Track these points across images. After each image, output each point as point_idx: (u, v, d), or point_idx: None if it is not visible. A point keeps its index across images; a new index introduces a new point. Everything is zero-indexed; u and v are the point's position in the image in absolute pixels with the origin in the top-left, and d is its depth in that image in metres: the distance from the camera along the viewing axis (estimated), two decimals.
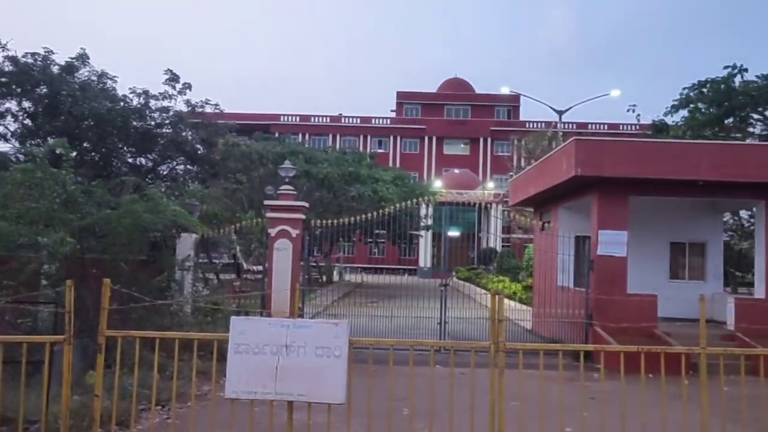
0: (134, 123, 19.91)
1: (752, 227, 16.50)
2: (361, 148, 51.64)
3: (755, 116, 21.21)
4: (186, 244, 12.88)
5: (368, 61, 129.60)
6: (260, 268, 16.75)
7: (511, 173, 30.49)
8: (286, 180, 16.30)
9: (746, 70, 20.75)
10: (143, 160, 21.70)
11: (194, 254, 13.65)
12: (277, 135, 45.27)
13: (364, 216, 14.75)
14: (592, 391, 5.96)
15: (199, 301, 12.35)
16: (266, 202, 15.15)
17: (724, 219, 22.56)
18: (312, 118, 61.67)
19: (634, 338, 10.97)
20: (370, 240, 34.54)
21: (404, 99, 63.99)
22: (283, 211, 14.15)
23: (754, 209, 13.95)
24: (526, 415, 4.90)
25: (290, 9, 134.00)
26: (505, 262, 31.53)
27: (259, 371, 4.74)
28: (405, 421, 5.28)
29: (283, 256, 13.83)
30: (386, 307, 14.23)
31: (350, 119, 62.18)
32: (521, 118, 60.85)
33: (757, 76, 20.34)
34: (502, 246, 42.13)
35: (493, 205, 44.52)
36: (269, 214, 14.20)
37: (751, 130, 22.03)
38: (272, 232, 13.98)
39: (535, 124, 53.83)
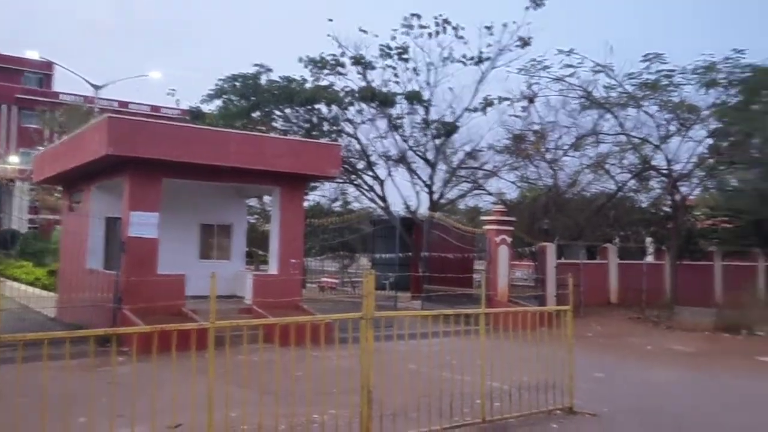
0: None
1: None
2: None
3: (277, 113, 23.93)
4: None
5: None
6: None
7: (41, 147, 27.47)
8: None
9: (271, 70, 23.28)
10: None
11: None
12: None
13: None
14: (117, 375, 5.83)
15: None
16: None
17: (250, 203, 24.89)
18: None
19: (163, 318, 11.17)
20: None
21: None
22: None
23: (273, 195, 15.71)
24: (27, 412, 4.49)
25: None
26: (29, 245, 28.30)
27: None
28: None
29: None
30: None
31: None
32: (55, 89, 55.34)
33: (280, 77, 23.02)
34: (28, 228, 37.73)
35: (17, 182, 39.53)
36: None
37: (275, 124, 24.74)
38: None
39: (71, 97, 49.68)
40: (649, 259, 26.43)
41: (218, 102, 23.89)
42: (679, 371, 11.40)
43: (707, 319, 16.98)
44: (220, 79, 23.57)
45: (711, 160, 19.75)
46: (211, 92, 23.76)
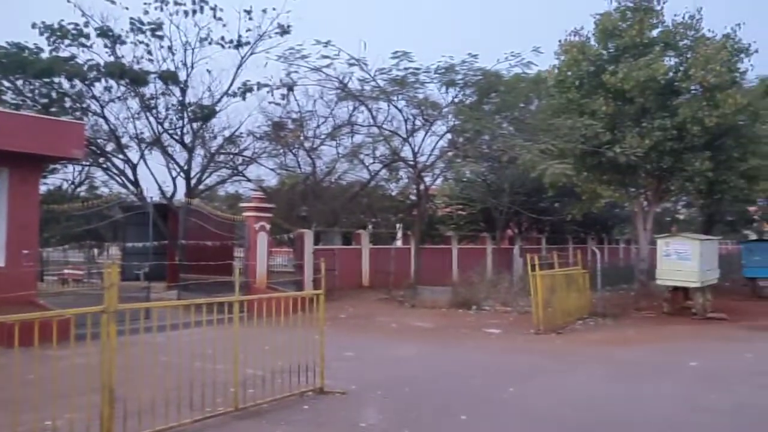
0: None
1: None
2: None
3: (6, 84, 21.01)
4: None
5: None
6: None
7: None
8: None
9: None
10: None
11: None
12: None
13: None
14: None
15: None
16: None
17: None
18: None
19: None
20: None
21: None
22: None
23: None
24: None
25: None
26: None
27: None
28: None
29: None
30: None
31: None
32: None
33: (8, 43, 20.19)
34: None
35: None
36: None
37: (4, 98, 21.70)
38: None
39: None
40: (398, 243, 28.61)
41: None
42: (420, 346, 12.53)
43: (445, 297, 18.89)
44: None
45: (450, 154, 21.89)
46: None
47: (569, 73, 20.43)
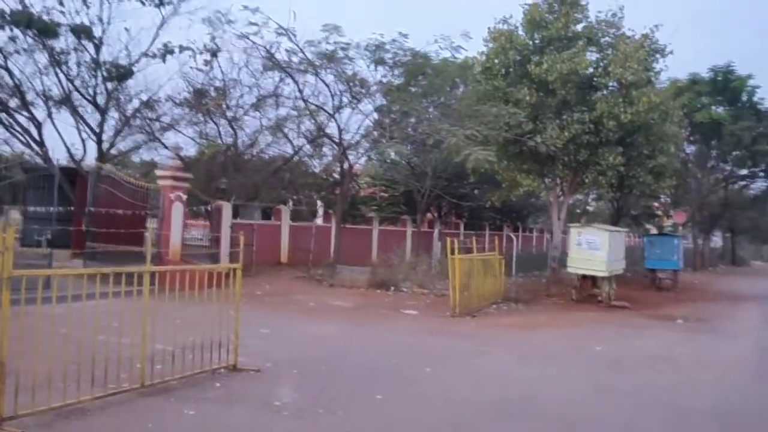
0: None
1: None
2: None
3: None
4: None
5: None
6: None
7: None
8: None
9: None
10: None
11: None
12: None
13: None
14: None
15: None
16: None
17: None
18: None
19: None
20: None
21: None
22: None
23: None
24: None
25: None
26: None
27: None
28: None
29: None
30: None
31: None
32: None
33: None
34: None
35: None
36: None
37: None
38: None
39: None
40: (319, 221, 28.34)
41: None
42: (338, 325, 12.44)
43: (364, 277, 18.86)
44: None
45: (375, 133, 21.75)
46: None
47: (496, 61, 20.68)
